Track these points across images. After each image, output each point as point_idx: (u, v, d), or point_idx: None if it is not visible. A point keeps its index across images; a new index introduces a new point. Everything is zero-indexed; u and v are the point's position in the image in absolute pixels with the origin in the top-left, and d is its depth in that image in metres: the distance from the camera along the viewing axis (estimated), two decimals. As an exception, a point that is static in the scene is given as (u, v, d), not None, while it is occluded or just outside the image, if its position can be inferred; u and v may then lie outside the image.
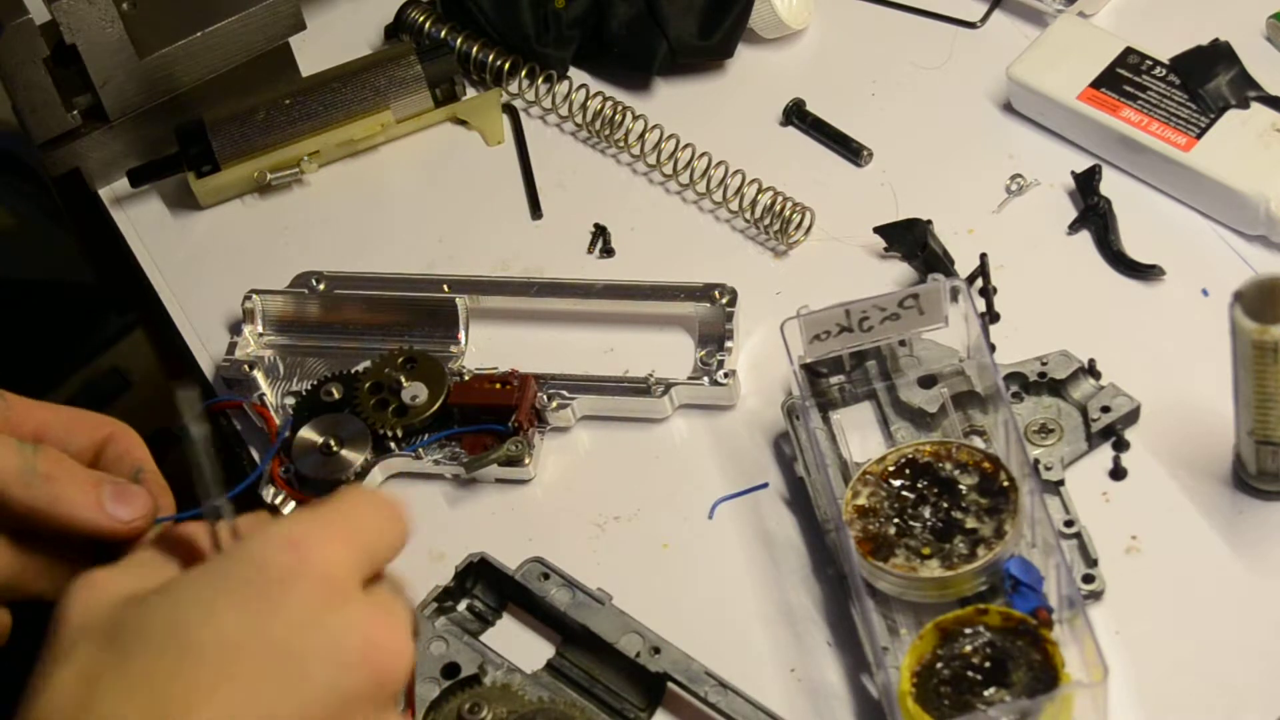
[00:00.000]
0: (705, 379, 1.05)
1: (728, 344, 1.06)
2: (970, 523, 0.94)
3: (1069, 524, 0.96)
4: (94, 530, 0.77)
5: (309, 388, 1.07)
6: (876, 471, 0.96)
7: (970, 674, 0.89)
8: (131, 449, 0.82)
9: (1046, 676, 0.88)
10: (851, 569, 0.93)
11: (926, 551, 0.93)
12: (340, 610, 0.67)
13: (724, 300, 1.07)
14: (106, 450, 0.82)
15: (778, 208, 1.12)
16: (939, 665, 0.89)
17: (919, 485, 0.96)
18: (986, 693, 0.88)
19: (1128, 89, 1.12)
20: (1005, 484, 0.95)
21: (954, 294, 1.00)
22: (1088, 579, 0.94)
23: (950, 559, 0.93)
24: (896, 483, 0.96)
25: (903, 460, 0.97)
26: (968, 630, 0.90)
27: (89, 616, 0.67)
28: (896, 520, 0.95)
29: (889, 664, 0.90)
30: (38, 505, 0.76)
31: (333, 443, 1.04)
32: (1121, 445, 1.00)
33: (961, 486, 0.95)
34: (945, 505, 0.95)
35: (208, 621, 0.65)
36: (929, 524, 0.94)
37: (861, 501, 0.96)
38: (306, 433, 1.04)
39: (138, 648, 0.65)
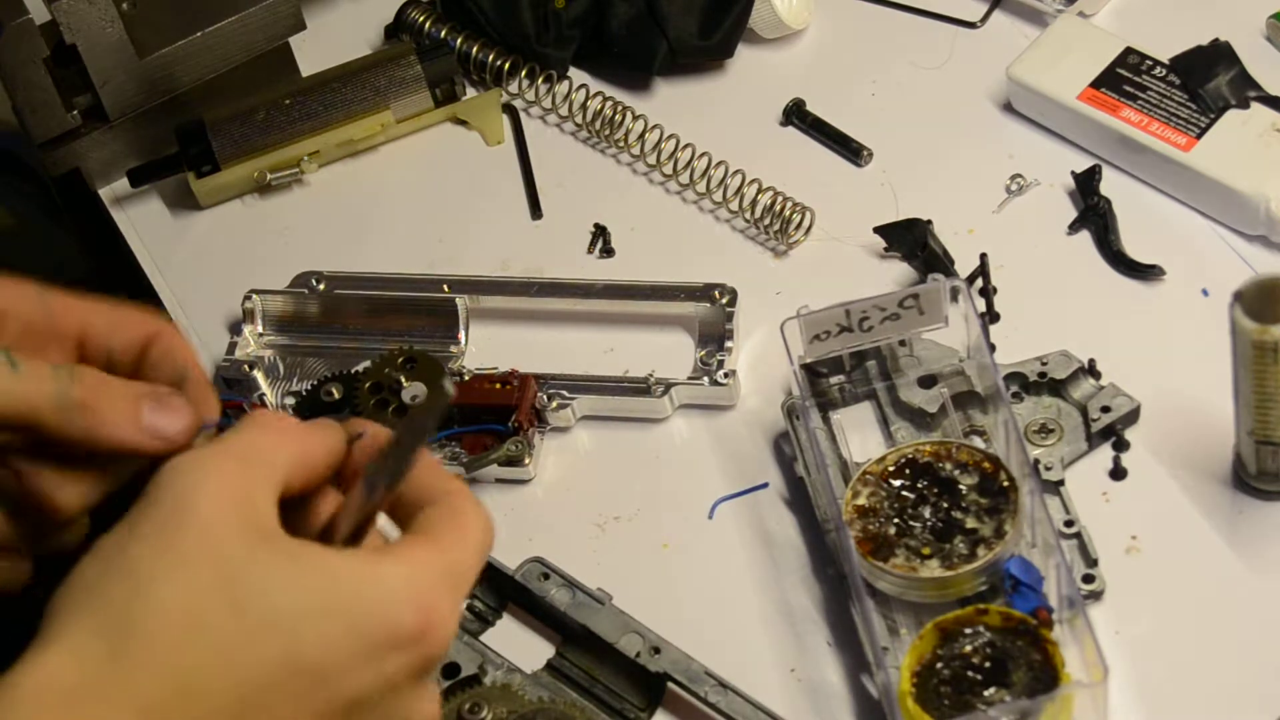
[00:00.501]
0: (705, 379, 1.05)
1: (728, 344, 1.06)
2: (970, 523, 0.94)
3: (1069, 524, 0.96)
4: (135, 451, 0.74)
5: (309, 388, 1.07)
6: (876, 471, 0.96)
7: (970, 674, 0.89)
8: (175, 350, 0.78)
9: (1046, 676, 0.88)
10: (851, 569, 0.93)
11: (926, 551, 0.93)
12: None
13: (724, 300, 1.07)
14: (150, 351, 0.78)
15: (778, 208, 1.12)
16: (939, 665, 0.89)
17: (919, 485, 0.96)
18: (986, 693, 0.88)
19: (1128, 89, 1.12)
20: (1005, 484, 0.95)
21: (954, 294, 1.00)
22: (1088, 579, 0.94)
23: (950, 559, 0.93)
24: (896, 483, 0.96)
25: (903, 460, 0.97)
26: (968, 630, 0.90)
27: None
28: (896, 520, 0.95)
29: (889, 664, 0.90)
30: (74, 434, 0.73)
31: (333, 443, 1.04)
32: (1121, 445, 1.00)
33: (961, 486, 0.95)
34: (945, 505, 0.95)
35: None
36: (929, 524, 0.94)
37: (861, 501, 0.96)
38: (306, 433, 1.04)
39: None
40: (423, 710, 0.69)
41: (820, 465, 0.97)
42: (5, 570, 0.77)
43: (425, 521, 0.70)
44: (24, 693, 0.62)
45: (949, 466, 0.96)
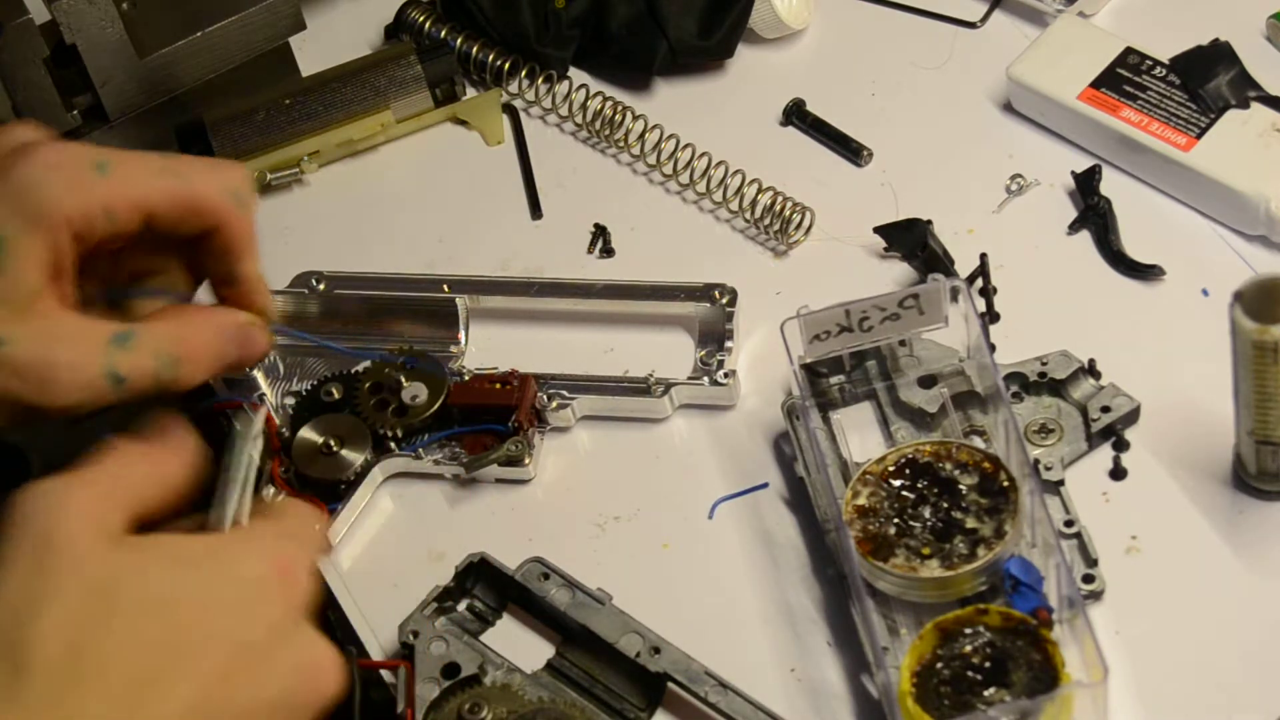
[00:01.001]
0: (705, 379, 1.05)
1: (728, 344, 1.06)
2: (970, 523, 0.94)
3: (1069, 524, 0.96)
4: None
5: (309, 388, 1.07)
6: (876, 471, 0.96)
7: (970, 674, 0.89)
8: (236, 247, 0.82)
9: (1046, 676, 0.88)
10: (851, 569, 0.93)
11: (926, 551, 0.93)
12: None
13: (724, 300, 1.07)
14: (213, 242, 0.82)
15: (778, 208, 1.12)
16: (939, 665, 0.89)
17: (919, 485, 0.96)
18: (986, 693, 0.88)
19: (1128, 89, 1.12)
20: (1005, 484, 0.95)
21: (954, 294, 1.00)
22: (1088, 579, 0.94)
23: (950, 559, 0.93)
24: (896, 483, 0.96)
25: (903, 460, 0.97)
26: (968, 630, 0.90)
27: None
28: (896, 520, 0.95)
29: (889, 664, 0.90)
30: (167, 391, 0.79)
31: (333, 443, 1.04)
32: (1121, 445, 1.00)
33: (961, 486, 0.95)
34: (945, 505, 0.95)
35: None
36: (929, 524, 0.94)
37: (861, 501, 0.95)
38: (306, 433, 1.04)
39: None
40: (316, 652, 0.72)
41: (820, 465, 0.97)
42: None
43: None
44: None
45: (949, 466, 0.96)
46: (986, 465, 0.96)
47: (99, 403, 0.77)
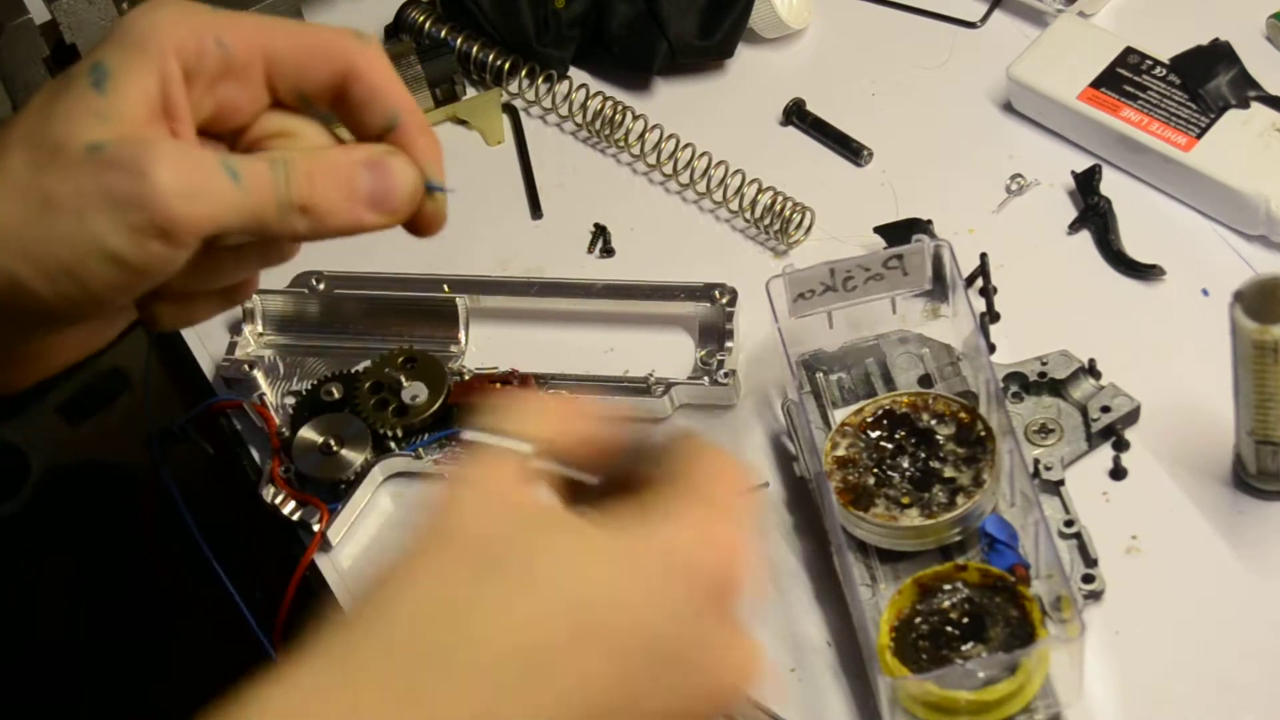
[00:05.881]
0: (705, 379, 1.05)
1: (728, 344, 1.06)
2: (948, 472, 0.95)
3: (1069, 524, 0.96)
4: (363, 230, 0.71)
5: (309, 388, 1.07)
6: (855, 423, 0.98)
7: (948, 629, 0.90)
8: (379, 88, 0.72)
9: (1023, 632, 0.89)
10: (832, 520, 0.94)
11: (906, 501, 0.95)
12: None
13: (724, 300, 1.07)
14: (351, 91, 0.72)
15: (778, 208, 1.12)
16: (918, 620, 0.90)
17: (897, 436, 0.97)
18: (964, 647, 0.89)
19: (1128, 89, 1.12)
20: (982, 434, 0.96)
21: (938, 257, 1.00)
22: (1087, 579, 0.94)
23: (930, 507, 0.94)
24: (875, 434, 0.97)
25: (880, 411, 0.98)
26: (946, 586, 0.91)
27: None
28: (876, 470, 0.96)
29: (868, 617, 0.91)
30: (300, 233, 0.71)
31: (333, 443, 1.04)
32: (1121, 445, 1.00)
33: (939, 436, 0.97)
34: (923, 455, 0.96)
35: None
36: (908, 474, 0.96)
37: (841, 453, 0.96)
38: (306, 433, 1.04)
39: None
40: (738, 651, 0.64)
41: (820, 471, 0.97)
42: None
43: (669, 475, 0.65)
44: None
45: (926, 417, 0.97)
46: (963, 415, 0.97)
47: (219, 208, 0.68)
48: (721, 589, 0.63)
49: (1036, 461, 0.98)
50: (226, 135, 0.74)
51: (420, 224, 0.75)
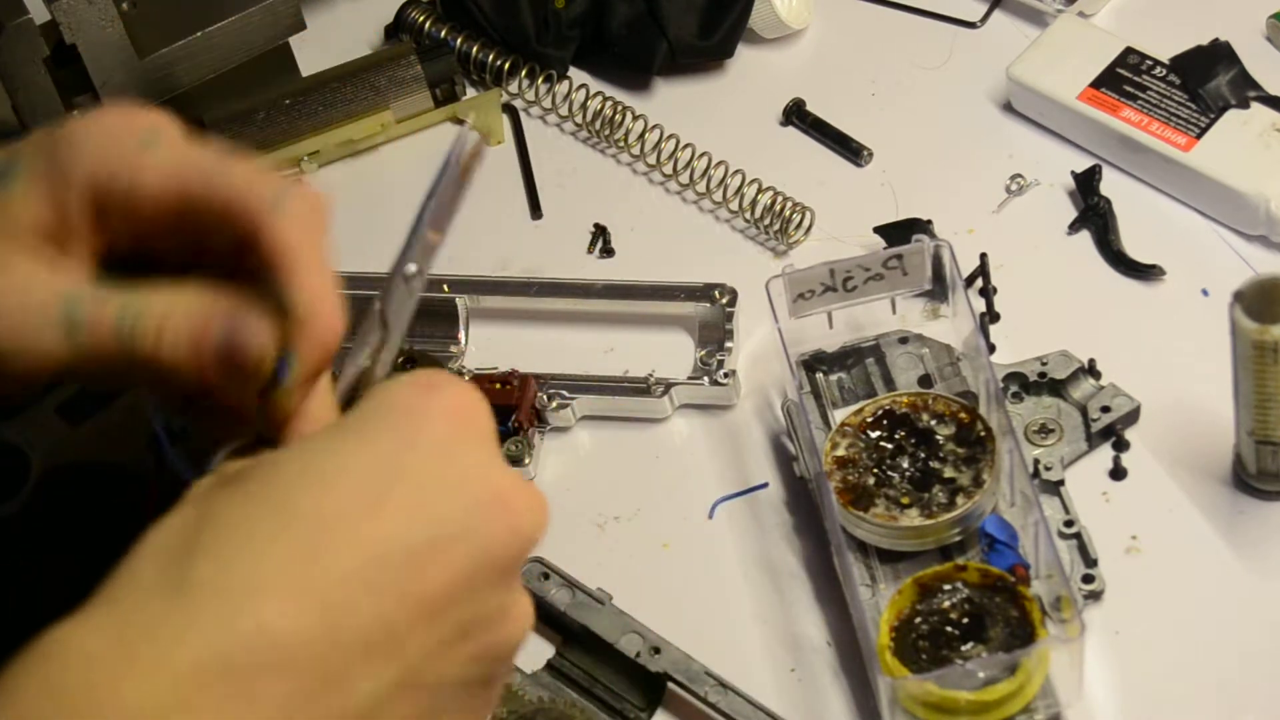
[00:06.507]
0: (705, 379, 1.05)
1: (728, 344, 1.06)
2: (948, 472, 0.95)
3: (1069, 524, 0.96)
4: (208, 383, 0.67)
5: (309, 388, 1.07)
6: (855, 423, 0.98)
7: (948, 629, 0.90)
8: (278, 263, 0.68)
9: (1023, 632, 0.89)
10: (832, 520, 0.94)
11: (906, 501, 0.95)
12: (473, 447, 0.63)
13: (724, 300, 1.07)
14: (248, 257, 0.68)
15: (778, 208, 1.12)
16: (918, 620, 0.90)
17: (897, 436, 0.97)
18: (964, 648, 0.89)
19: (1128, 89, 1.12)
20: (982, 434, 0.96)
21: (938, 257, 1.00)
22: (1087, 579, 0.94)
23: (930, 508, 0.94)
24: (875, 434, 0.97)
25: (880, 411, 0.98)
26: (946, 586, 0.91)
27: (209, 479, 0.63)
28: (875, 470, 0.96)
29: (869, 617, 0.91)
30: (145, 380, 0.67)
31: (333, 443, 1.04)
32: (1121, 445, 1.00)
33: (939, 436, 0.97)
34: (923, 455, 0.96)
35: (340, 460, 0.61)
36: (908, 474, 0.96)
37: (841, 453, 0.97)
38: (306, 433, 1.04)
39: (267, 490, 0.61)
40: (519, 607, 0.65)
41: (815, 453, 0.97)
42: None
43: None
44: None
45: (926, 417, 0.97)
46: (963, 416, 0.97)
47: (48, 354, 0.66)
48: (515, 548, 0.64)
49: (1036, 461, 0.98)
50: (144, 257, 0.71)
51: (261, 405, 0.68)
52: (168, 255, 0.70)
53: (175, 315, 0.67)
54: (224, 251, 0.69)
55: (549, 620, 0.98)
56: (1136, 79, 1.12)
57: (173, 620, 0.58)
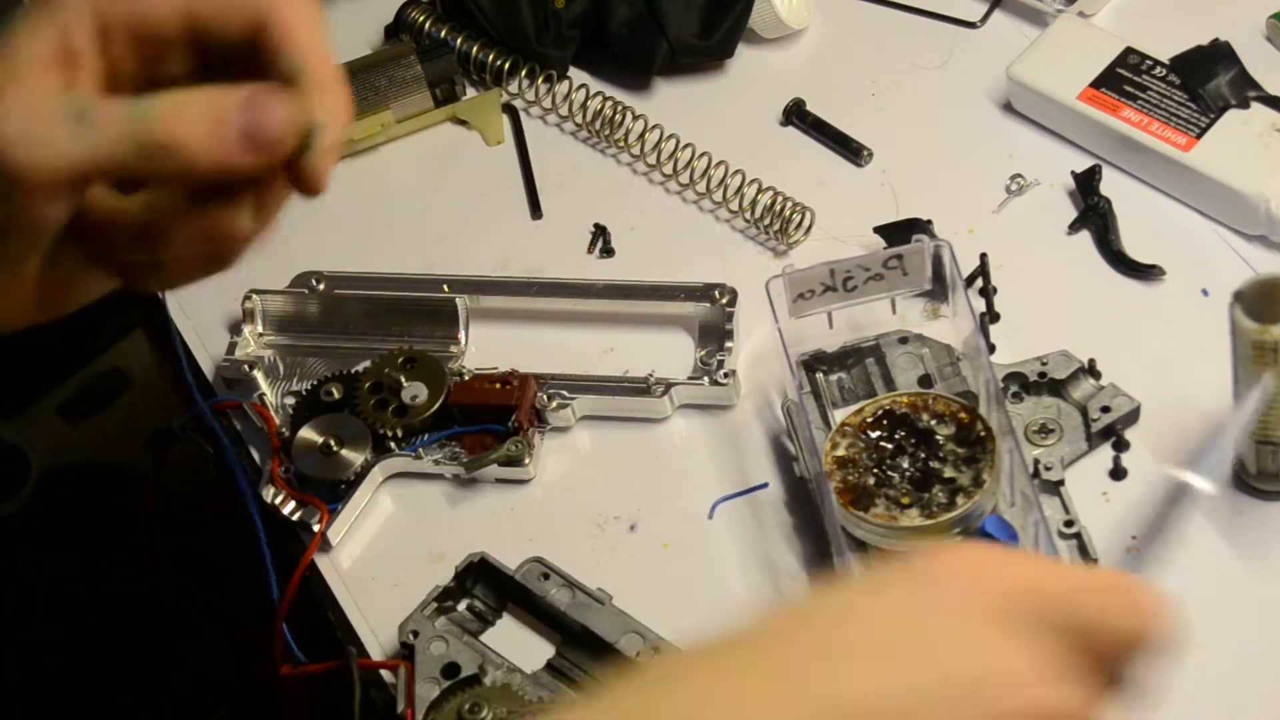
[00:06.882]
0: (705, 379, 1.05)
1: (728, 344, 1.06)
2: (948, 472, 0.96)
3: (1069, 524, 0.96)
4: (242, 170, 0.66)
5: (309, 388, 1.07)
6: (855, 423, 0.98)
7: None
8: (285, 42, 0.68)
9: None
10: (832, 520, 0.94)
11: (906, 501, 0.95)
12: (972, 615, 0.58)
13: (724, 300, 1.07)
14: (261, 44, 0.68)
15: (778, 208, 1.12)
16: None
17: (897, 436, 0.97)
18: None
19: (1128, 89, 1.12)
20: (982, 434, 0.96)
21: (938, 257, 1.00)
22: (1088, 579, 0.94)
23: (930, 508, 0.94)
24: (875, 434, 0.97)
25: (880, 411, 0.98)
26: None
27: None
28: (876, 471, 0.96)
29: None
30: (171, 172, 0.66)
31: (333, 443, 1.04)
32: (1121, 445, 1.00)
33: (939, 436, 0.97)
34: (923, 455, 0.96)
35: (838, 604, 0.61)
36: (908, 474, 0.96)
37: (841, 453, 0.97)
38: (306, 433, 1.04)
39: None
40: None
41: (814, 452, 0.97)
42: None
43: None
44: None
45: (926, 417, 0.97)
46: (963, 416, 0.97)
47: (64, 152, 0.65)
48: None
49: (1036, 461, 0.98)
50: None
51: (296, 176, 0.69)
52: (174, 84, 0.69)
53: (191, 103, 0.66)
54: (227, 67, 0.69)
55: (549, 620, 0.98)
56: (1136, 79, 1.12)
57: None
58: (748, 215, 1.13)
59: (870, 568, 0.62)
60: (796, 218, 1.12)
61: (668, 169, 1.16)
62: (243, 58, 0.69)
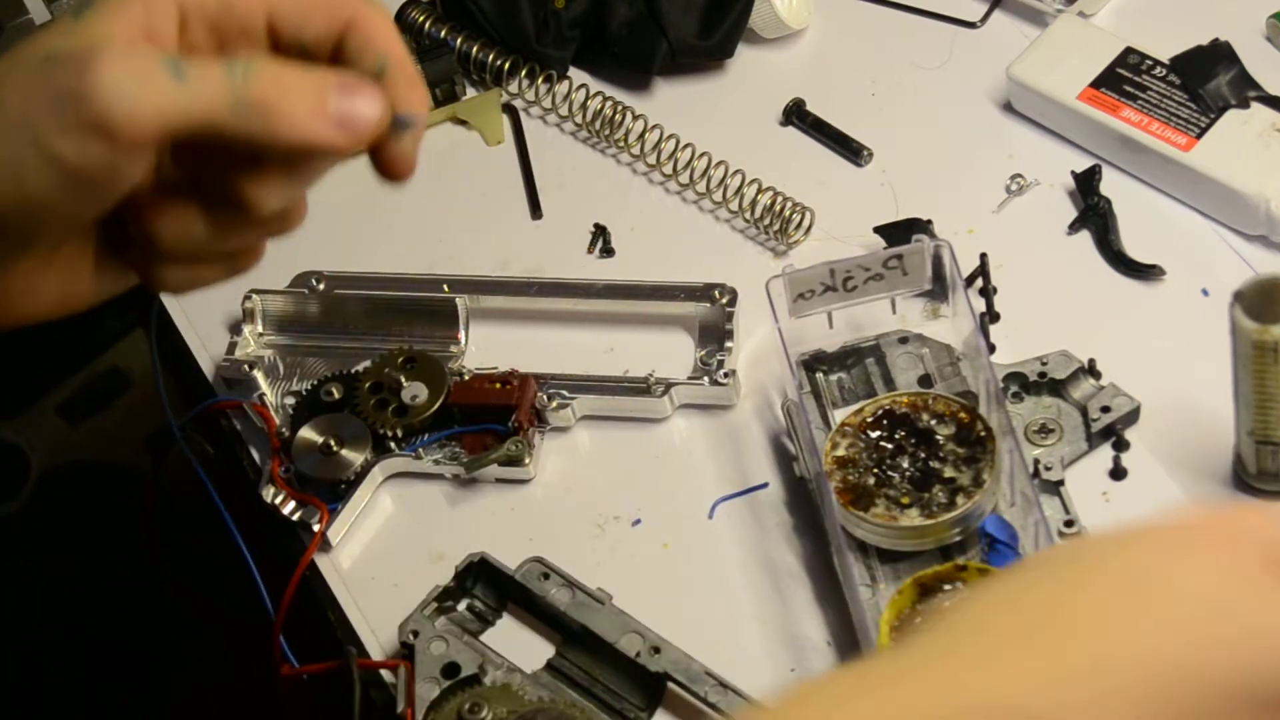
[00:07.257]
0: (705, 379, 1.05)
1: (728, 344, 1.06)
2: (948, 472, 0.95)
3: (1069, 524, 0.96)
4: (324, 146, 0.68)
5: (309, 388, 1.07)
6: (855, 423, 0.98)
7: None
8: (374, 37, 0.71)
9: None
10: (832, 520, 0.94)
11: (906, 501, 0.95)
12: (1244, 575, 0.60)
13: (724, 300, 1.07)
14: (348, 40, 0.71)
15: (778, 208, 1.12)
16: (918, 620, 0.90)
17: (897, 436, 0.97)
18: None
19: (1128, 89, 1.12)
20: (982, 434, 0.96)
21: (938, 257, 1.00)
22: (1088, 579, 0.94)
23: (930, 508, 0.94)
24: (875, 434, 0.97)
25: (880, 411, 0.98)
26: (946, 586, 0.91)
27: None
28: (876, 470, 0.96)
29: (869, 617, 0.91)
30: (256, 134, 0.67)
31: (333, 443, 1.04)
32: (1121, 445, 1.00)
33: (939, 436, 0.97)
34: (923, 455, 0.96)
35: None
36: (908, 474, 0.96)
37: (841, 453, 0.97)
38: (306, 433, 1.04)
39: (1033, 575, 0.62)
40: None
41: (819, 472, 0.97)
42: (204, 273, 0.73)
43: None
44: None
45: (926, 417, 0.97)
46: (963, 416, 0.97)
47: (160, 105, 0.65)
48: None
49: (1036, 461, 0.98)
50: None
51: (387, 161, 0.72)
52: None
53: (294, 73, 0.68)
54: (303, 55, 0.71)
55: (549, 620, 0.98)
56: (1136, 79, 1.12)
57: (902, 673, 0.60)
58: (748, 215, 1.13)
59: (1122, 529, 0.62)
60: (796, 218, 1.12)
61: (668, 169, 1.16)
62: (311, 56, 0.71)
